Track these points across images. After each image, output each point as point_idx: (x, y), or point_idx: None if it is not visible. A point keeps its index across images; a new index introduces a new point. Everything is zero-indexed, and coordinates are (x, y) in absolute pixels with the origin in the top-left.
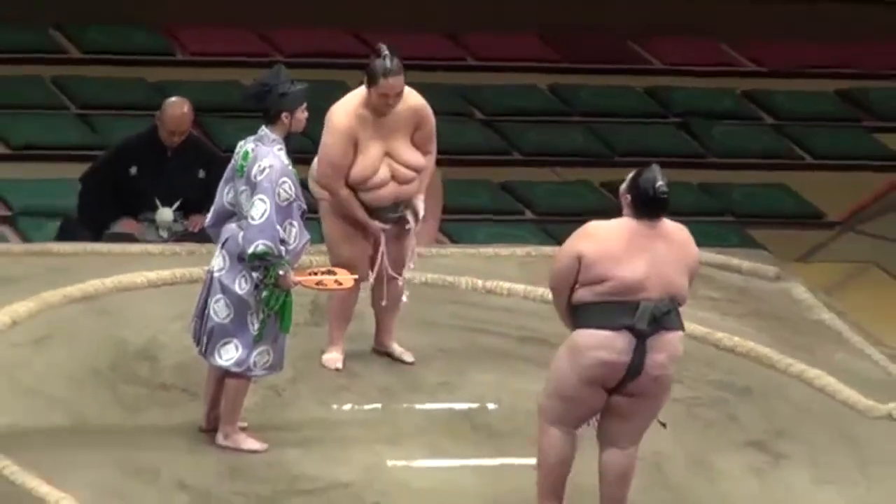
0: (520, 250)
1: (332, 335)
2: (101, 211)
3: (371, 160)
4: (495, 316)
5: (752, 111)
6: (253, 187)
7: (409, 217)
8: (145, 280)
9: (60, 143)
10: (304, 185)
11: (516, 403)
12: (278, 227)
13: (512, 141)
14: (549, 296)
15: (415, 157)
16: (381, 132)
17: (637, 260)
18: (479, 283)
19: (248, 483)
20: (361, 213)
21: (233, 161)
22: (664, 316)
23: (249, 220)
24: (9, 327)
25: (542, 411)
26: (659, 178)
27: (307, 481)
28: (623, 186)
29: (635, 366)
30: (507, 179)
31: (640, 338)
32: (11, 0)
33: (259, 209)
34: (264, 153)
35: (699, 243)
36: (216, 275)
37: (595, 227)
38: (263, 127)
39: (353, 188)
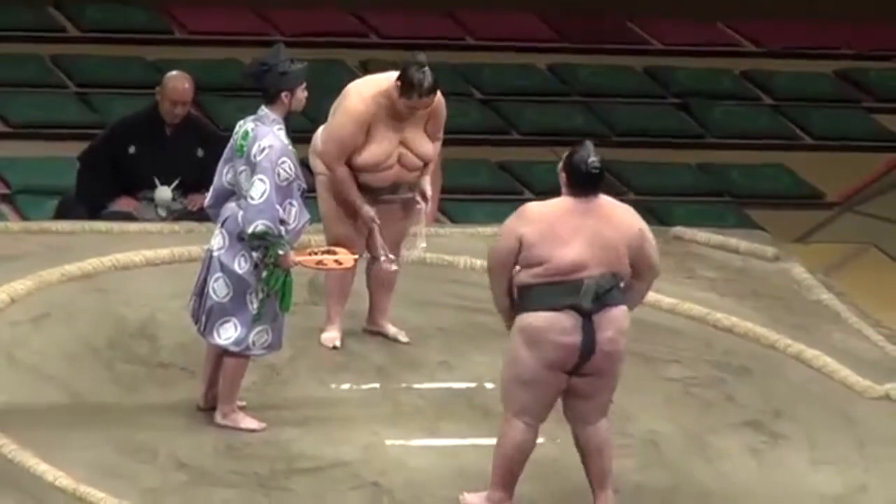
0: None
1: (329, 314)
2: (100, 189)
3: (385, 149)
4: None
5: (751, 91)
6: (252, 167)
7: (419, 198)
8: (144, 258)
9: (59, 121)
10: (304, 164)
11: None
12: (278, 206)
13: (510, 120)
14: None
15: (427, 147)
16: (399, 124)
17: (577, 239)
18: (478, 262)
19: (246, 462)
20: (355, 196)
21: (232, 141)
22: (607, 293)
23: (249, 200)
24: (7, 305)
25: (505, 403)
26: (591, 155)
27: (305, 460)
28: (559, 165)
29: (588, 345)
30: (505, 159)
31: (586, 316)
32: None
33: (259, 189)
34: (264, 133)
35: (698, 224)
36: (215, 254)
37: (534, 208)
38: (263, 106)
39: (359, 170)
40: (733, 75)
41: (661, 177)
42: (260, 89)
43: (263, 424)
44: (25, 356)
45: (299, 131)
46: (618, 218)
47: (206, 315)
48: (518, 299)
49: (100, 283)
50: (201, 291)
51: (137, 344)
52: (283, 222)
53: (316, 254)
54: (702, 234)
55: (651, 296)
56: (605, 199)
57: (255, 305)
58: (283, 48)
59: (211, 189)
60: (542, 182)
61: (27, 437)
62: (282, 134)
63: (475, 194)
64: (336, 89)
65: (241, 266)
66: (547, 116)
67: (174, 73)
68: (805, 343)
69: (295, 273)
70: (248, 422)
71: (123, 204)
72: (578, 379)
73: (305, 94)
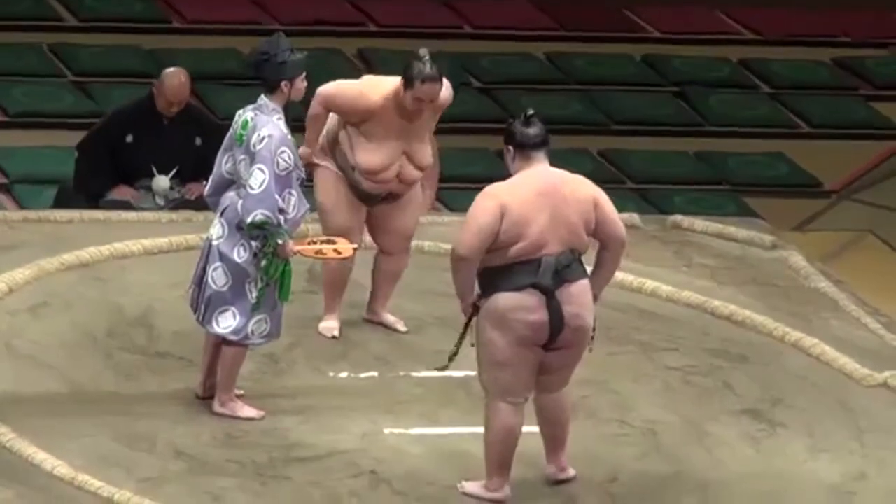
0: None
1: (327, 303)
2: (98, 178)
3: (386, 157)
4: None
5: (748, 80)
6: (252, 156)
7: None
8: (142, 248)
9: (57, 110)
10: None
11: None
12: (277, 196)
13: (508, 109)
14: None
15: (428, 156)
16: (405, 132)
17: (540, 216)
18: None
19: (244, 451)
20: (309, 137)
21: (231, 130)
22: (566, 269)
23: (248, 189)
24: (5, 294)
25: (486, 388)
26: (525, 114)
27: (304, 449)
28: (504, 146)
29: (556, 321)
30: (503, 148)
31: (548, 294)
32: None
33: (258, 179)
34: (264, 122)
35: (696, 212)
36: (215, 243)
37: (499, 185)
38: (263, 96)
39: (358, 171)
40: (731, 63)
41: (659, 165)
42: (260, 78)
43: (262, 413)
44: (24, 345)
45: (299, 121)
46: (572, 190)
47: (204, 304)
48: (479, 284)
49: (98, 273)
50: (200, 281)
51: (136, 333)
52: (282, 212)
53: (315, 243)
54: (700, 223)
55: (649, 284)
56: (558, 173)
57: (254, 295)
58: (283, 37)
59: (210, 178)
60: None
61: (25, 426)
62: (281, 123)
63: (473, 183)
64: (334, 79)
65: (240, 255)
66: (545, 105)
67: (171, 69)
68: (803, 331)
69: (294, 262)
70: (247, 410)
71: (121, 193)
72: (549, 354)
73: (305, 83)
